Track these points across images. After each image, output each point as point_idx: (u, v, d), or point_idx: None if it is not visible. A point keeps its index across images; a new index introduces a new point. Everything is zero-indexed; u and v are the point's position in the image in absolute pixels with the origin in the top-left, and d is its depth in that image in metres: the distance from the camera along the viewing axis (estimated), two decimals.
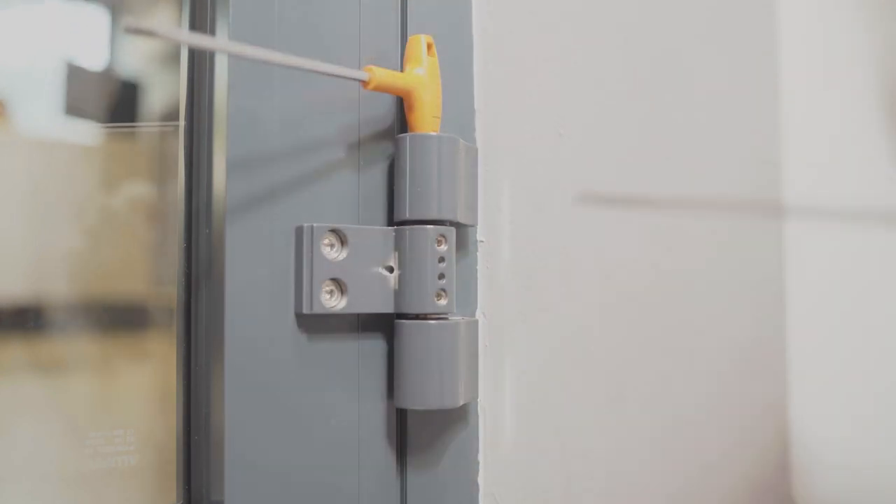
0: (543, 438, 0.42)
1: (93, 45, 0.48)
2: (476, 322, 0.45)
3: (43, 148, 0.46)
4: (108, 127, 0.47)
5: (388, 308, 0.41)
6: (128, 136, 0.48)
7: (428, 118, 0.41)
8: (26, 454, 0.42)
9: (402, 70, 0.43)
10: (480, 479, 0.46)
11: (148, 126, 0.48)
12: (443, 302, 0.41)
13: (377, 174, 0.43)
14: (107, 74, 0.49)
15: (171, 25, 0.47)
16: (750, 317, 0.35)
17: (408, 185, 0.41)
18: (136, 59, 0.50)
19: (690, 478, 0.37)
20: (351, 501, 0.41)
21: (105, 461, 0.43)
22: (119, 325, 0.45)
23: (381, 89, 0.39)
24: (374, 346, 0.43)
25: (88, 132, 0.47)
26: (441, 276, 0.41)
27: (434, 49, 0.42)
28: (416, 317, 0.41)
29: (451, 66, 0.46)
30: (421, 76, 0.41)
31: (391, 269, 0.41)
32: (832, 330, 0.32)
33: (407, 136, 0.41)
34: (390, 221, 0.43)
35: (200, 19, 0.43)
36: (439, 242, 0.41)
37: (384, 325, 0.43)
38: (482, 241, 0.46)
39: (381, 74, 0.39)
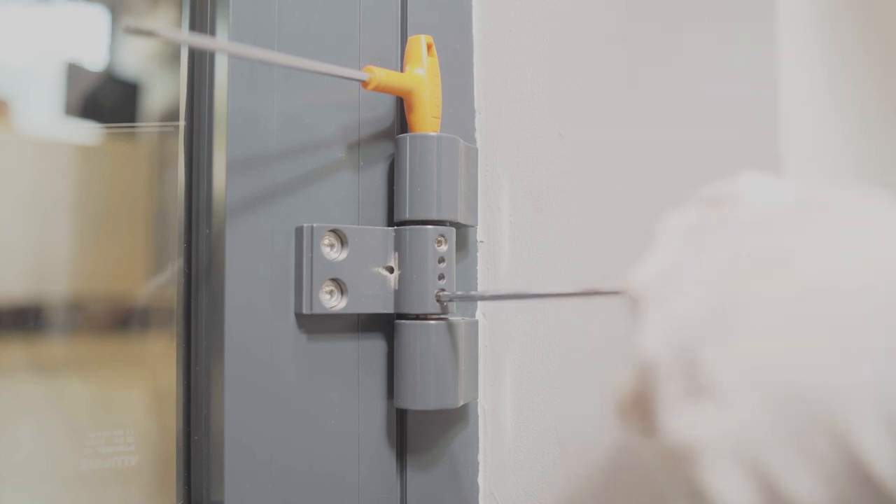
0: (543, 438, 0.42)
1: (93, 45, 0.48)
2: (476, 322, 0.45)
3: (43, 148, 0.46)
4: (108, 127, 0.47)
5: (388, 308, 0.41)
6: (128, 137, 0.48)
7: (428, 118, 0.41)
8: (26, 454, 0.42)
9: (402, 70, 0.43)
10: (480, 479, 0.46)
11: (148, 126, 0.48)
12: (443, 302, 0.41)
13: (377, 174, 0.43)
14: (107, 75, 0.49)
15: (172, 26, 0.47)
16: None
17: (408, 186, 0.41)
18: (137, 59, 0.50)
19: None
20: (351, 501, 0.41)
21: (105, 461, 0.43)
22: (119, 326, 0.45)
23: (380, 89, 0.39)
24: (374, 347, 0.43)
25: (89, 132, 0.47)
26: (441, 277, 0.41)
27: (434, 49, 0.42)
28: (417, 317, 0.41)
29: (451, 66, 0.46)
30: (421, 76, 0.41)
31: (391, 270, 0.41)
32: None
33: (407, 136, 0.41)
34: (390, 222, 0.43)
35: (200, 20, 0.43)
36: (439, 243, 0.41)
37: (384, 326, 0.43)
38: (482, 241, 0.46)
39: (381, 75, 0.39)
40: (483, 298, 0.44)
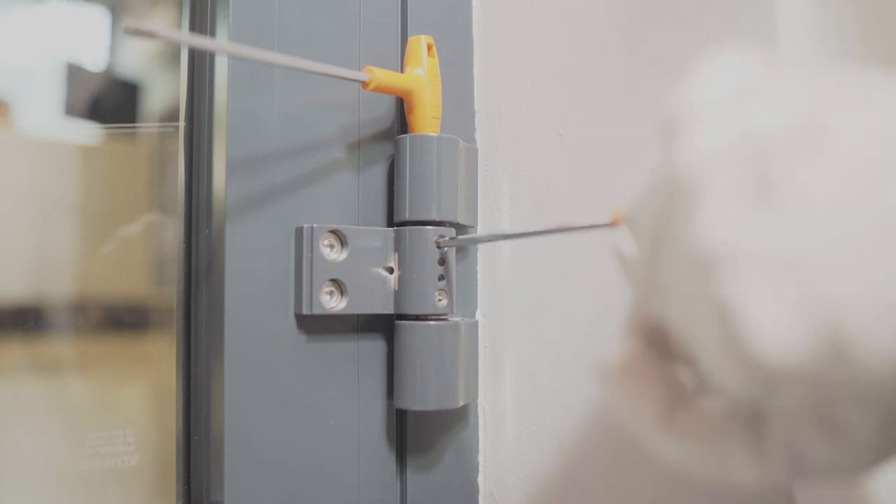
0: (543, 438, 0.42)
1: (93, 46, 0.49)
2: (476, 323, 0.45)
3: (43, 148, 0.46)
4: (108, 127, 0.47)
5: (388, 309, 0.41)
6: (128, 137, 0.48)
7: (428, 119, 0.41)
8: (26, 454, 0.42)
9: (402, 71, 0.43)
10: (480, 479, 0.46)
11: (148, 127, 0.48)
12: (443, 303, 0.41)
13: (377, 175, 0.43)
14: (107, 75, 0.49)
15: (172, 26, 0.47)
16: None
17: (408, 186, 0.41)
18: (137, 59, 0.50)
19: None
20: (351, 501, 0.41)
21: (105, 461, 0.43)
22: (119, 326, 0.45)
23: (380, 90, 0.39)
24: (374, 347, 0.43)
25: (89, 132, 0.47)
26: (441, 277, 0.41)
27: (434, 50, 0.42)
28: (416, 318, 0.41)
29: (451, 67, 0.46)
30: (421, 77, 0.41)
31: (391, 270, 0.41)
32: None
33: (407, 136, 0.41)
34: (390, 222, 0.43)
35: (200, 20, 0.43)
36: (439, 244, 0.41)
37: (384, 326, 0.43)
38: None
39: (381, 75, 0.39)
40: (480, 241, 0.45)
